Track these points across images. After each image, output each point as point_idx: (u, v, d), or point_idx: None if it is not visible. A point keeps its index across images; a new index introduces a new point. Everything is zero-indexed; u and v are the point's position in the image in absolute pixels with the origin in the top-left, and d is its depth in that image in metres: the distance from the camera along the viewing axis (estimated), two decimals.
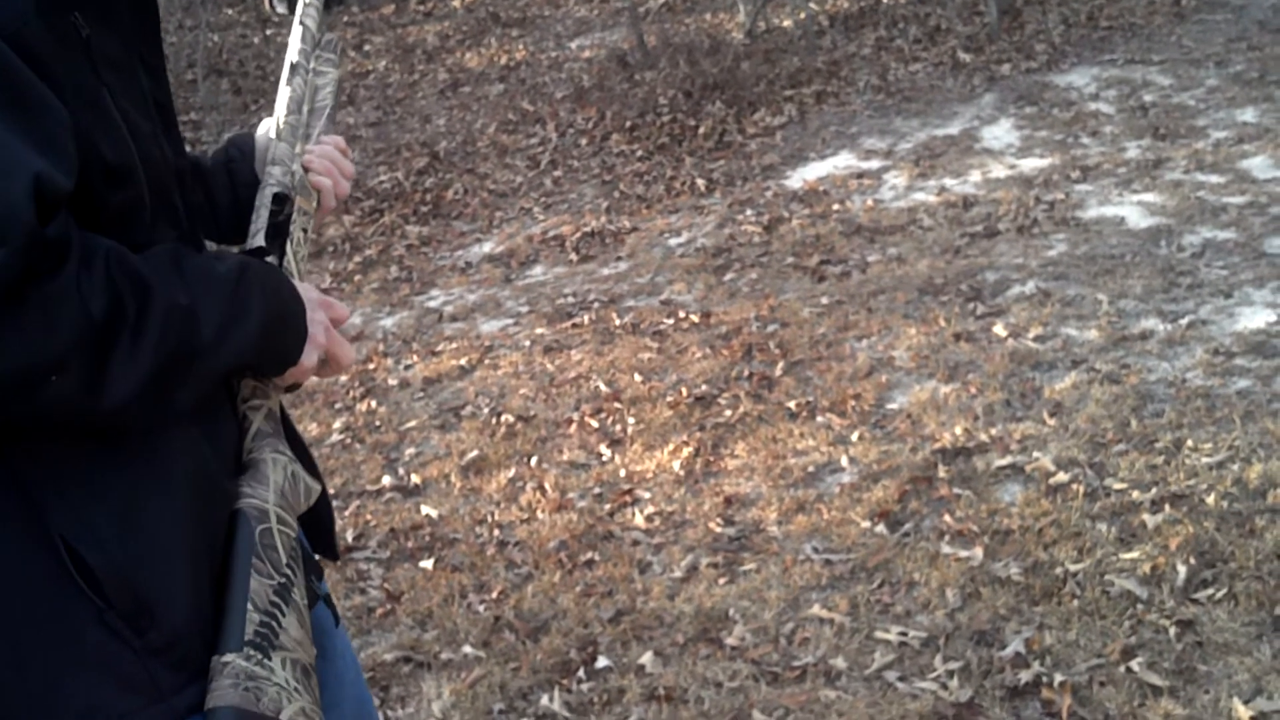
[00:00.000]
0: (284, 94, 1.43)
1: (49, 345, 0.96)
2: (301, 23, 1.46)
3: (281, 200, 1.35)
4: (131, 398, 1.02)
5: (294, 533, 1.19)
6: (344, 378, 4.53)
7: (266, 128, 1.44)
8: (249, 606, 1.10)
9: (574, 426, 3.89)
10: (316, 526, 1.30)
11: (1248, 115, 5.80)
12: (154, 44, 1.21)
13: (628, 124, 7.10)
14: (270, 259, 1.28)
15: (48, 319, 0.96)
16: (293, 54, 1.45)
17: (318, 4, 1.47)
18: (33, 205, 0.94)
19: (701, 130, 6.83)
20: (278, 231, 1.34)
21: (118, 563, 1.05)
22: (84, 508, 1.05)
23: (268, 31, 10.94)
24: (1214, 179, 5.08)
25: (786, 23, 8.54)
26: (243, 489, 1.17)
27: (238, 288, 1.12)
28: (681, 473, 3.50)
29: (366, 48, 10.33)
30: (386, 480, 3.75)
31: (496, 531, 3.37)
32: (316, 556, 1.34)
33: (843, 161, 6.12)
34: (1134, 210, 4.89)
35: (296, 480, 1.22)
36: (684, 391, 3.95)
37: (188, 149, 1.36)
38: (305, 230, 1.37)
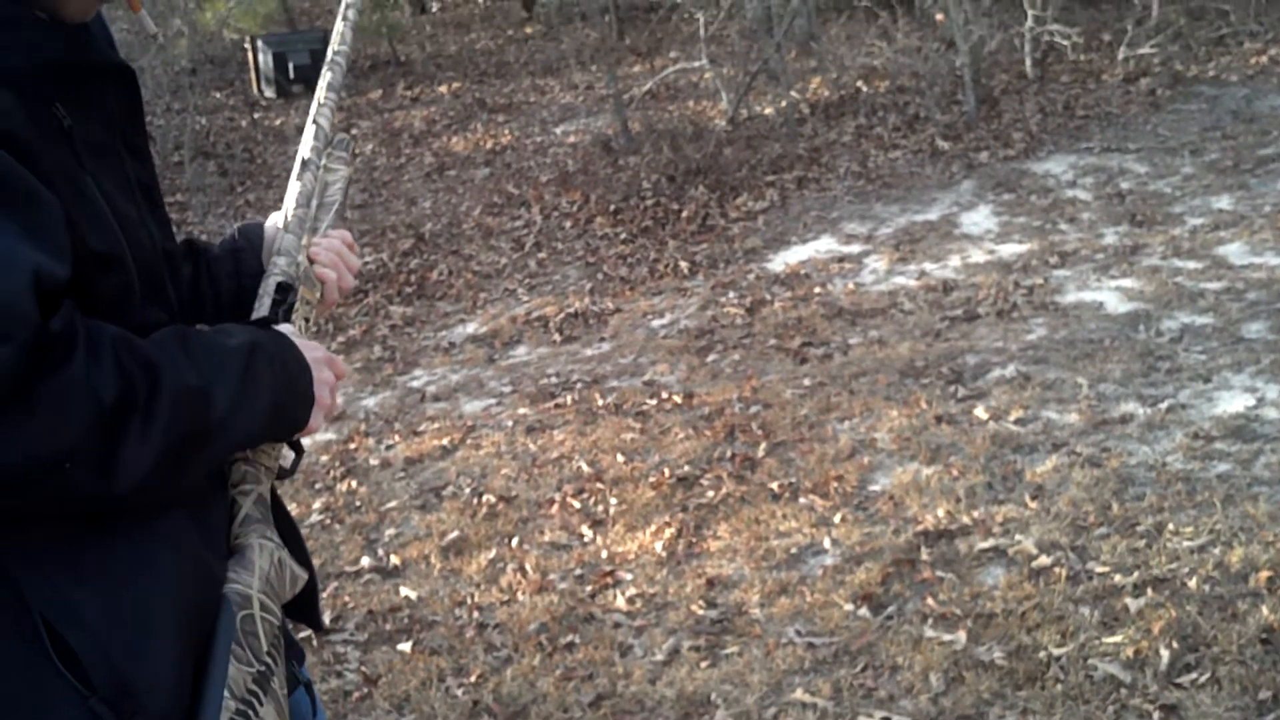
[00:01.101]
0: (294, 188, 1.44)
1: (61, 437, 0.97)
2: (315, 121, 1.48)
3: (285, 289, 1.36)
4: (143, 481, 1.02)
5: (277, 620, 1.18)
6: (325, 457, 4.51)
7: (275, 220, 1.45)
8: (226, 694, 1.09)
9: (556, 507, 3.87)
10: (300, 595, 1.29)
11: (1223, 202, 5.90)
12: (138, 127, 1.22)
13: (612, 207, 7.17)
14: (277, 327, 1.28)
15: (59, 412, 0.96)
16: (305, 150, 1.46)
17: (332, 104, 1.48)
18: (34, 301, 0.95)
19: (685, 214, 6.90)
20: (280, 320, 1.34)
21: (102, 645, 1.03)
22: (67, 589, 1.04)
23: (255, 115, 11.05)
24: (1191, 264, 5.14)
25: (768, 110, 8.68)
26: (228, 574, 1.16)
27: (248, 366, 1.12)
28: (664, 554, 3.48)
29: (354, 131, 10.43)
30: (366, 561, 3.72)
31: (476, 613, 3.33)
32: (299, 627, 1.33)
33: (824, 245, 6.19)
34: (1112, 295, 4.94)
35: (283, 567, 1.21)
36: (666, 472, 3.94)
37: (180, 230, 1.37)
38: (307, 319, 1.37)
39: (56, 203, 1.01)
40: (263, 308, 1.34)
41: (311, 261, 1.40)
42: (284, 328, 1.26)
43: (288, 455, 1.33)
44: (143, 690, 1.05)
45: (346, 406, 5.09)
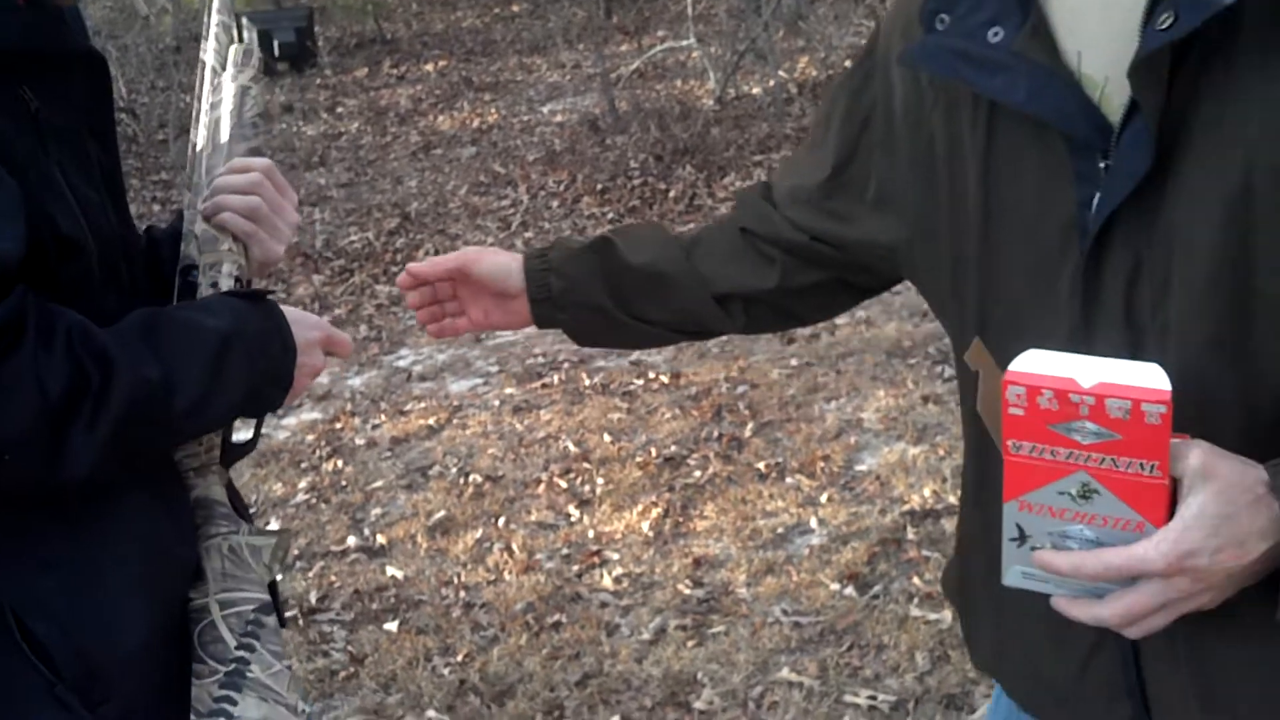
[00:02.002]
0: (189, 151, 1.33)
1: (2, 426, 0.94)
2: (201, 60, 1.35)
3: (187, 271, 1.26)
4: (90, 470, 1.00)
5: (249, 605, 1.15)
6: (310, 437, 4.50)
7: None
8: (192, 716, 1.08)
9: (542, 487, 3.86)
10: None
11: None
12: (105, 113, 1.19)
13: (599, 187, 7.15)
14: (271, 298, 1.21)
15: (2, 401, 0.94)
16: (197, 102, 1.34)
17: (221, 36, 1.35)
18: None
19: (672, 194, 6.88)
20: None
21: (68, 633, 1.02)
22: (32, 577, 1.02)
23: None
24: None
25: (756, 90, 8.65)
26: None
27: (220, 356, 1.08)
28: (650, 533, 3.48)
29: (339, 110, 10.38)
30: (352, 541, 3.71)
31: (463, 593, 3.33)
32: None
33: None
34: None
35: (238, 551, 1.17)
36: (653, 452, 3.94)
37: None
38: (235, 277, 1.25)
39: (15, 185, 0.99)
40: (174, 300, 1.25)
41: (208, 221, 1.26)
42: (288, 311, 1.19)
43: (232, 433, 1.25)
44: (111, 675, 1.04)
45: (332, 386, 5.07)
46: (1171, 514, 0.88)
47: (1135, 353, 0.93)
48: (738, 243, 1.27)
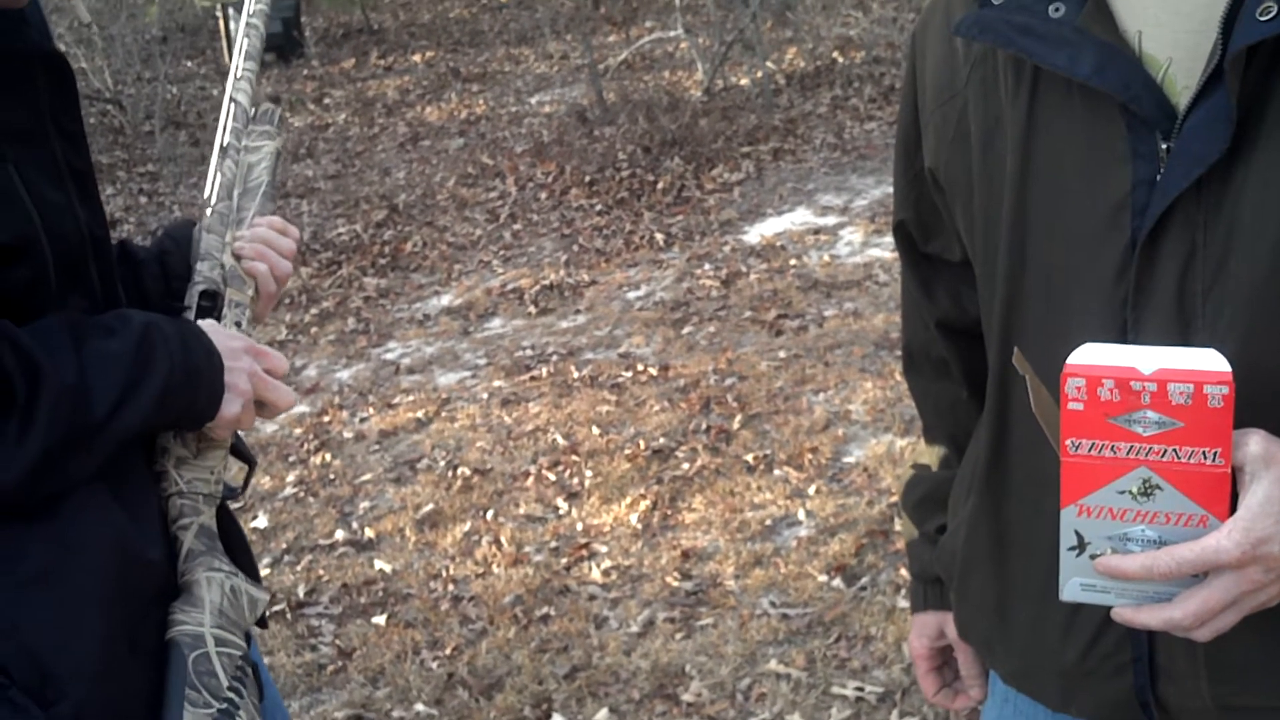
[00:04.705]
0: (213, 180, 1.37)
1: None
2: (232, 99, 1.39)
3: (211, 297, 1.30)
4: (21, 481, 1.00)
5: (239, 651, 1.14)
6: (298, 430, 4.49)
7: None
8: None
9: (531, 480, 3.86)
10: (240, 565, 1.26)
11: None
12: (72, 113, 1.18)
13: (587, 179, 7.14)
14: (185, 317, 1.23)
15: None
16: (222, 135, 1.38)
17: (251, 76, 1.40)
18: None
19: (660, 185, 6.87)
20: None
21: (21, 632, 1.02)
22: None
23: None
24: None
25: (744, 81, 8.64)
26: (175, 615, 1.13)
27: (137, 355, 1.08)
28: (639, 526, 3.48)
29: (326, 101, 10.34)
30: (340, 534, 3.71)
31: (451, 586, 3.33)
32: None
33: (799, 217, 6.18)
34: None
35: (238, 595, 1.17)
36: (642, 444, 3.94)
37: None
38: (239, 323, 1.31)
39: None
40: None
41: (239, 258, 1.34)
42: (205, 324, 1.22)
43: (233, 470, 1.28)
44: (65, 678, 1.03)
45: (320, 379, 5.06)
46: (1233, 506, 0.87)
47: (1184, 339, 0.93)
48: (944, 400, 1.31)
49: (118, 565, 1.09)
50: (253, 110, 1.41)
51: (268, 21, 1.45)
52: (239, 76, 1.40)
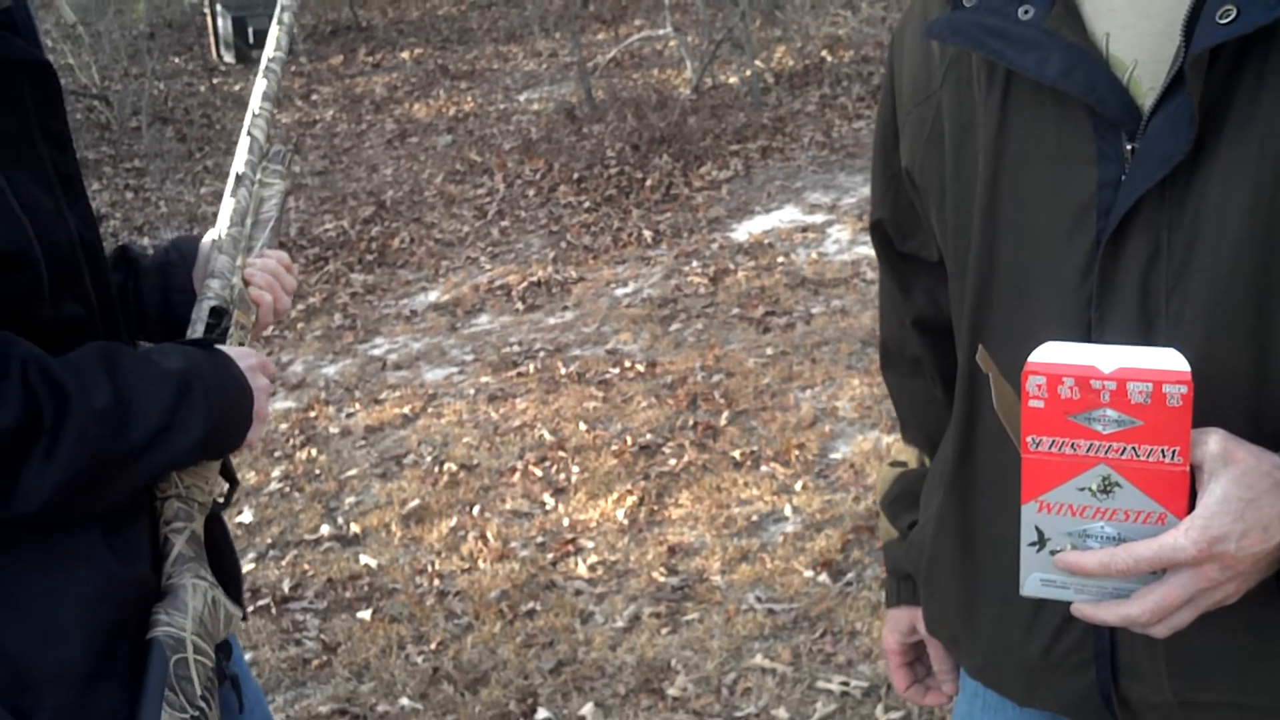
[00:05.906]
0: (228, 205, 1.40)
1: None
2: (249, 133, 1.43)
3: (219, 314, 1.33)
4: (46, 504, 1.00)
5: (211, 662, 1.16)
6: (284, 425, 4.48)
7: (211, 237, 1.41)
8: None
9: (517, 475, 3.86)
10: (223, 578, 1.27)
11: None
12: (59, 116, 1.18)
13: (575, 176, 7.14)
14: (218, 347, 1.26)
15: None
16: (239, 164, 1.42)
17: (267, 115, 1.44)
18: None
19: (649, 183, 6.87)
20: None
21: (2, 642, 1.02)
22: None
23: (214, 80, 10.90)
24: None
25: (733, 79, 8.65)
26: (159, 616, 1.13)
27: (182, 394, 1.10)
28: (625, 522, 3.48)
29: (314, 97, 10.32)
30: (325, 529, 3.70)
31: (437, 581, 3.32)
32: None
33: (787, 215, 6.18)
34: None
35: (217, 607, 1.19)
36: (629, 441, 3.94)
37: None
38: (243, 344, 1.34)
39: None
40: (196, 333, 1.31)
41: (246, 284, 1.37)
42: (234, 351, 1.24)
43: (223, 486, 1.30)
44: (44, 685, 1.03)
45: (306, 375, 5.05)
46: (1191, 504, 0.88)
47: (1148, 338, 0.93)
48: (920, 402, 1.31)
49: (102, 576, 1.09)
50: (268, 148, 1.46)
51: (286, 67, 1.50)
52: (256, 114, 1.44)
